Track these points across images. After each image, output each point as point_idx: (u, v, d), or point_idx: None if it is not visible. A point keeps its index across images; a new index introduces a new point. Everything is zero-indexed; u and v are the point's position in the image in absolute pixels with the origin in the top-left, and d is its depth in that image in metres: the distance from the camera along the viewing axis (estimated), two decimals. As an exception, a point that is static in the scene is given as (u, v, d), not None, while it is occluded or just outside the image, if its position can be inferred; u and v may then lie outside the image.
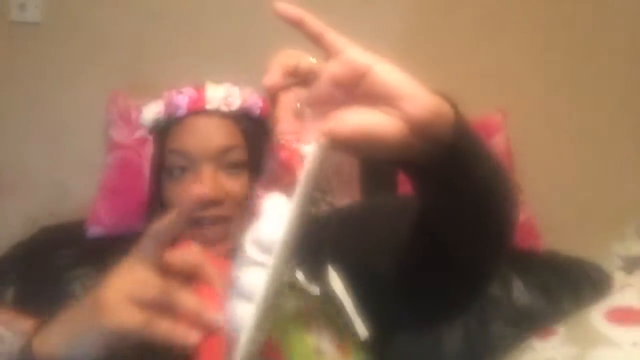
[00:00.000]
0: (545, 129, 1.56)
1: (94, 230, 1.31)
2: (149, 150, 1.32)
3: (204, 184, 0.82)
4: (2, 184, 1.46)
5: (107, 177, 1.33)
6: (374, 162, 1.42)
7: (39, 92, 1.45)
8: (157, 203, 0.88)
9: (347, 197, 1.38)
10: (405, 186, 1.39)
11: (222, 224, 0.83)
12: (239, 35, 1.45)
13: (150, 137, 0.93)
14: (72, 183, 1.46)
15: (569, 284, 1.32)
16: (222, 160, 0.84)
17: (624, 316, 1.04)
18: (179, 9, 1.46)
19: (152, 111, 0.89)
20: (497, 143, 1.42)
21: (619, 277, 1.22)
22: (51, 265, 1.26)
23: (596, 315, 1.07)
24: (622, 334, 1.00)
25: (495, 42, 1.55)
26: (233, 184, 0.84)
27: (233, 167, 0.84)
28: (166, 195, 0.86)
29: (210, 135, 0.84)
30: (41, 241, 1.32)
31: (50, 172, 1.47)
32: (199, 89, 0.87)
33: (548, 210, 1.47)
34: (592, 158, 1.59)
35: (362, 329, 0.63)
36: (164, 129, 0.87)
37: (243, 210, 0.84)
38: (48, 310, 1.31)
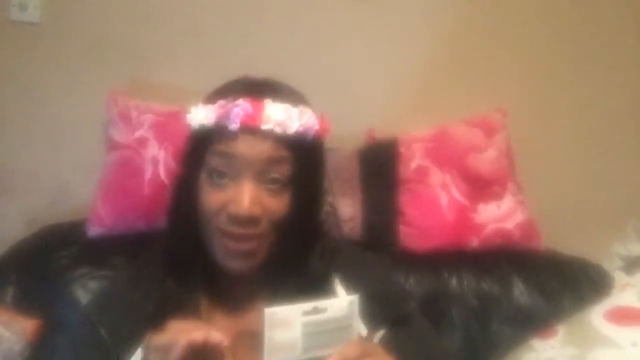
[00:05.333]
0: (546, 129, 1.56)
1: (94, 230, 1.31)
2: (149, 150, 1.33)
3: (245, 198, 0.79)
4: (3, 184, 1.46)
5: (107, 177, 1.33)
6: (374, 161, 1.42)
7: (38, 92, 1.45)
8: (183, 201, 0.85)
9: (347, 196, 1.38)
10: (404, 185, 1.39)
11: (254, 241, 0.82)
12: (238, 35, 1.45)
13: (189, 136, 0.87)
14: (72, 183, 1.46)
15: (569, 284, 1.32)
16: (265, 175, 0.81)
17: (624, 316, 1.04)
18: (179, 9, 1.46)
19: (201, 116, 0.84)
20: (497, 143, 1.41)
21: (619, 277, 1.22)
22: (51, 265, 1.26)
23: (596, 315, 1.07)
24: (622, 334, 1.00)
25: (496, 42, 1.55)
26: (272, 202, 0.81)
27: (274, 183, 0.81)
28: (200, 197, 0.83)
29: (258, 150, 0.80)
30: (41, 241, 1.32)
31: (50, 172, 1.47)
32: (257, 103, 0.81)
33: (548, 210, 1.47)
34: (592, 158, 1.59)
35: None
36: (210, 134, 0.83)
37: (277, 229, 0.82)
38: (48, 310, 1.31)
